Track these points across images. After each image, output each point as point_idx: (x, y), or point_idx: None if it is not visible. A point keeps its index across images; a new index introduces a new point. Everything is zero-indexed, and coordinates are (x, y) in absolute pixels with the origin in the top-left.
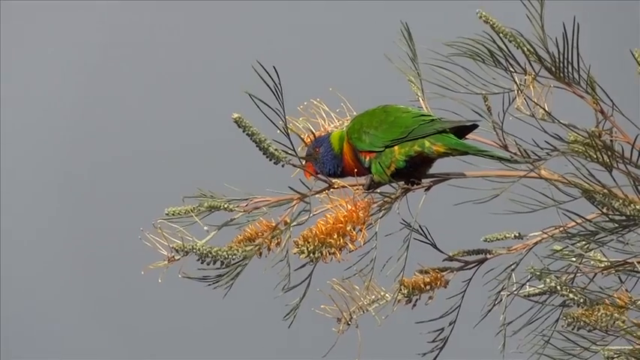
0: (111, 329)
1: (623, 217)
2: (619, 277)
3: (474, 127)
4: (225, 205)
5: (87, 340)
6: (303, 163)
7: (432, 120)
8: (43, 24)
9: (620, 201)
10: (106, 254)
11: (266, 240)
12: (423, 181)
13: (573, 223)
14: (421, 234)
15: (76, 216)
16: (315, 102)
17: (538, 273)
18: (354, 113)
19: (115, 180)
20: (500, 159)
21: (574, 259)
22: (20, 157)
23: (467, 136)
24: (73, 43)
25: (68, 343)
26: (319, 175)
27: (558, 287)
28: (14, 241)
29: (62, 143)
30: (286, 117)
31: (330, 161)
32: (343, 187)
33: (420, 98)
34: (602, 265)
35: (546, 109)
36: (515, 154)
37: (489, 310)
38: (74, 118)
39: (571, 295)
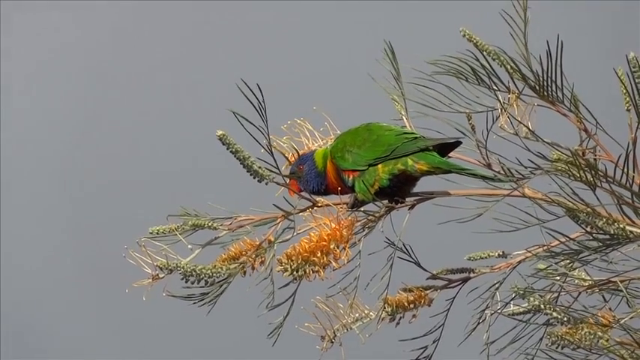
0: (110, 328)
1: (607, 236)
2: (603, 296)
3: (458, 144)
4: (210, 224)
5: (87, 339)
6: (287, 181)
7: (415, 138)
8: (43, 23)
9: (604, 220)
10: (104, 255)
11: (250, 259)
12: (406, 200)
13: (557, 242)
14: (405, 252)
15: (74, 216)
16: (299, 121)
17: (522, 292)
18: (338, 132)
19: (102, 194)
20: (483, 178)
21: (558, 277)
22: (20, 156)
23: (450, 154)
24: (71, 45)
25: (68, 342)
26: (303, 193)
27: (542, 306)
28: (14, 241)
29: (59, 146)
30: (270, 136)
31: (314, 179)
32: (327, 205)
33: (404, 117)
34: (586, 284)
35: (530, 128)
36: (498, 172)
37: (473, 329)
38: (69, 124)
39: (555, 314)
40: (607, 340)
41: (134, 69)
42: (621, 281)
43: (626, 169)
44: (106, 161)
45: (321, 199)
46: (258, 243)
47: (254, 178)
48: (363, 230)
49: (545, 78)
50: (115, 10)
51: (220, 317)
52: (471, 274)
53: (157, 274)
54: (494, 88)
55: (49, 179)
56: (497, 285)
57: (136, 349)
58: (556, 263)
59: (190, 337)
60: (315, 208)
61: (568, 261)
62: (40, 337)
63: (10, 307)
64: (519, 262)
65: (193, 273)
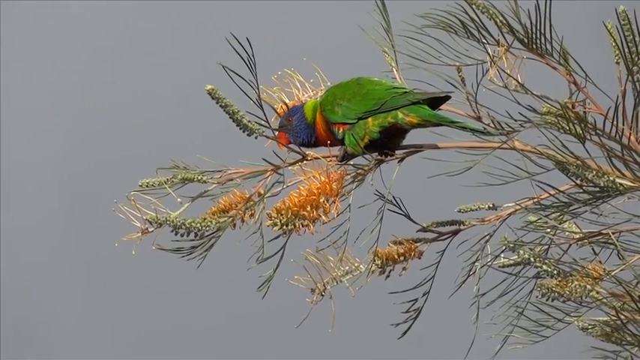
0: (109, 327)
1: (597, 189)
2: (592, 249)
3: (447, 98)
4: (199, 177)
5: (87, 339)
6: (276, 133)
7: (405, 92)
8: (43, 23)
9: (594, 172)
10: (103, 251)
11: (240, 212)
12: (396, 152)
13: (547, 195)
14: (395, 205)
15: (72, 213)
16: (289, 72)
17: (512, 245)
18: (329, 83)
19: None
20: (473, 131)
21: (548, 230)
22: (19, 154)
23: (440, 107)
24: (70, 44)
25: (68, 342)
26: (292, 146)
27: (532, 259)
28: (14, 239)
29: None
30: (260, 86)
31: (304, 131)
32: (316, 158)
33: (394, 69)
34: (576, 237)
35: (519, 81)
36: (488, 125)
37: (463, 282)
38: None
39: (545, 267)
40: (597, 293)
41: (123, 26)
42: (612, 233)
43: (615, 122)
44: (96, 115)
45: (310, 152)
46: (247, 196)
47: (243, 131)
48: (353, 183)
49: (534, 31)
50: None
51: (210, 271)
52: (461, 227)
53: (147, 228)
54: (484, 41)
55: (52, 173)
56: (487, 237)
57: (134, 346)
58: (546, 216)
59: (180, 293)
60: (304, 161)
61: (558, 214)
62: (39, 336)
63: (9, 306)
64: (509, 214)
65: (183, 226)
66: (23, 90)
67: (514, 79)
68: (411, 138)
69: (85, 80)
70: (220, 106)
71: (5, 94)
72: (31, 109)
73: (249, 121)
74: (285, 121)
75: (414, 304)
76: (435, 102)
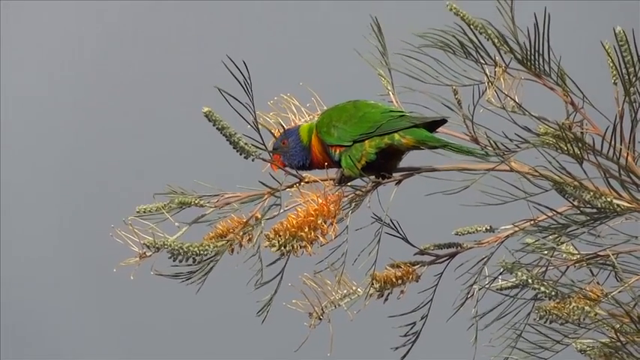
0: (109, 328)
1: (594, 210)
2: (590, 270)
3: (444, 121)
4: (196, 201)
5: (87, 339)
6: (271, 156)
7: (402, 115)
8: (43, 23)
9: (591, 193)
10: (92, 237)
11: (237, 236)
12: (393, 175)
13: (544, 216)
14: (392, 228)
15: (73, 214)
16: (285, 97)
17: (509, 266)
18: (325, 107)
19: (91, 177)
20: (469, 153)
21: (545, 252)
22: (19, 158)
23: (437, 130)
24: (70, 43)
25: (68, 342)
26: (287, 168)
27: (530, 280)
28: (13, 238)
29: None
30: (256, 112)
31: (299, 153)
32: (314, 181)
33: (390, 92)
34: (574, 258)
35: (517, 101)
36: (485, 146)
37: (461, 304)
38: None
39: (542, 289)
40: (595, 315)
41: (120, 49)
42: (612, 254)
43: (613, 143)
44: (94, 143)
45: (307, 175)
46: (245, 220)
47: (240, 154)
48: (350, 205)
49: (532, 51)
50: None
51: (209, 295)
52: (459, 249)
53: (145, 253)
54: (482, 61)
55: (52, 173)
56: (484, 260)
57: (134, 346)
58: (544, 237)
59: (180, 317)
60: (302, 183)
61: (555, 235)
62: (39, 336)
63: (9, 305)
64: (507, 236)
65: (181, 251)
66: (22, 93)
67: (512, 99)
68: (409, 160)
69: (82, 96)
70: (217, 128)
71: (5, 93)
72: (32, 114)
73: (245, 144)
74: (279, 144)
75: (412, 327)
76: (432, 124)
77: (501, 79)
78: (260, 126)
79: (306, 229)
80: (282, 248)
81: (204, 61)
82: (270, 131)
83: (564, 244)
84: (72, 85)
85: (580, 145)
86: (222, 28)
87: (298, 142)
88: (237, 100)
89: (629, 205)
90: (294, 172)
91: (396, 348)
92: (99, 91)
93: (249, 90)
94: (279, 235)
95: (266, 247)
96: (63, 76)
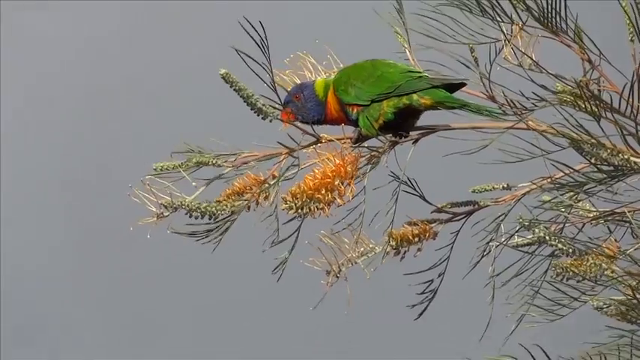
0: (109, 328)
1: (612, 168)
2: (608, 227)
3: (463, 84)
4: (214, 161)
5: (87, 340)
6: (280, 110)
7: (420, 76)
8: (43, 23)
9: (609, 151)
10: (105, 249)
11: (254, 194)
12: (410, 133)
13: (562, 174)
14: (409, 186)
15: (74, 208)
16: (301, 54)
17: (527, 223)
18: (341, 66)
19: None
20: (488, 112)
21: (563, 209)
22: (22, 143)
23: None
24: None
25: (68, 343)
26: (301, 126)
27: (547, 237)
28: (13, 237)
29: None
30: (273, 71)
31: (315, 108)
32: (330, 141)
33: (407, 50)
34: (591, 215)
35: (534, 59)
36: (502, 105)
37: (477, 262)
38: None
39: (560, 245)
40: (612, 272)
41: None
42: (628, 211)
43: (630, 100)
44: (108, 98)
45: (324, 135)
46: (262, 179)
47: (258, 115)
48: (368, 165)
49: (549, 9)
50: None
51: (225, 254)
52: (476, 207)
53: (162, 213)
54: (498, 19)
55: (53, 167)
56: (501, 217)
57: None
58: (561, 195)
59: (196, 276)
60: (318, 144)
61: (573, 193)
62: (39, 335)
63: (9, 305)
64: (524, 194)
65: (198, 209)
66: (25, 77)
67: (529, 57)
68: (425, 120)
69: (97, 58)
70: (234, 89)
71: (5, 91)
72: (36, 92)
73: (263, 105)
74: (291, 97)
75: (429, 285)
76: (451, 86)
77: (518, 37)
78: (277, 85)
79: (324, 191)
80: (300, 210)
81: (218, 21)
82: (287, 90)
83: (581, 202)
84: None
85: (597, 102)
86: None
87: (314, 97)
88: (254, 60)
89: None
90: (305, 127)
91: (413, 306)
92: (117, 49)
93: (266, 50)
94: (296, 198)
95: (283, 209)
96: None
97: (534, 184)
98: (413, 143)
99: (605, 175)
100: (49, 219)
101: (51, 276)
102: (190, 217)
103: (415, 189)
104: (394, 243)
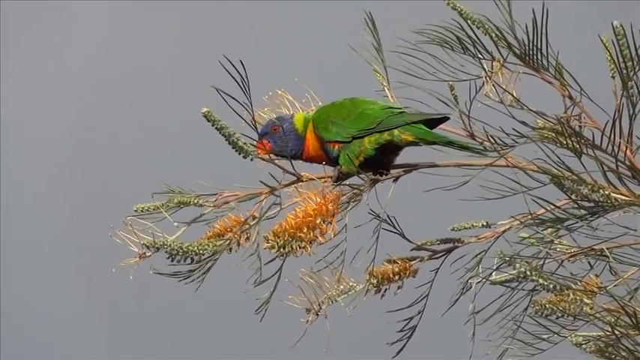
0: (110, 329)
1: (592, 204)
2: (589, 262)
3: (445, 119)
4: (195, 201)
5: (87, 340)
6: (256, 142)
7: (401, 112)
8: (43, 25)
9: (589, 187)
10: (105, 253)
11: (235, 235)
12: (391, 171)
13: (543, 210)
14: (390, 224)
15: (73, 218)
16: (279, 92)
17: (508, 258)
18: (320, 103)
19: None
20: (468, 149)
21: (543, 245)
22: (21, 160)
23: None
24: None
25: (68, 343)
26: (272, 156)
27: (528, 272)
28: (13, 238)
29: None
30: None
31: (294, 141)
32: (311, 179)
33: (386, 88)
34: (571, 251)
35: (515, 95)
36: (483, 141)
37: (457, 299)
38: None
39: (541, 281)
40: (591, 308)
41: (117, 53)
42: (607, 248)
43: (611, 136)
44: (92, 144)
45: (305, 174)
46: (243, 219)
47: (239, 154)
48: (349, 204)
49: (530, 46)
50: None
51: (208, 294)
52: (456, 244)
53: (144, 253)
54: (479, 56)
55: (53, 176)
56: (482, 254)
57: (127, 328)
58: (542, 230)
59: (179, 316)
60: (299, 182)
61: (553, 229)
62: (39, 335)
63: (9, 305)
64: (504, 230)
65: (180, 251)
66: (24, 98)
67: (510, 93)
68: (407, 156)
69: (80, 99)
70: (216, 128)
71: (6, 99)
72: (33, 118)
73: (244, 143)
74: (269, 129)
75: (408, 323)
76: (432, 121)
77: (499, 74)
78: (257, 124)
79: (305, 230)
80: (282, 250)
81: (200, 61)
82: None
83: (562, 238)
84: (71, 88)
85: (578, 139)
86: (218, 27)
87: (293, 130)
88: (234, 99)
89: (626, 198)
90: (285, 164)
91: (392, 343)
92: (97, 94)
93: (247, 89)
94: (278, 237)
95: (265, 248)
96: (62, 79)
97: (515, 218)
98: (394, 181)
99: (585, 212)
100: (47, 221)
101: (52, 279)
102: (172, 260)
103: (395, 227)
104: (375, 281)
